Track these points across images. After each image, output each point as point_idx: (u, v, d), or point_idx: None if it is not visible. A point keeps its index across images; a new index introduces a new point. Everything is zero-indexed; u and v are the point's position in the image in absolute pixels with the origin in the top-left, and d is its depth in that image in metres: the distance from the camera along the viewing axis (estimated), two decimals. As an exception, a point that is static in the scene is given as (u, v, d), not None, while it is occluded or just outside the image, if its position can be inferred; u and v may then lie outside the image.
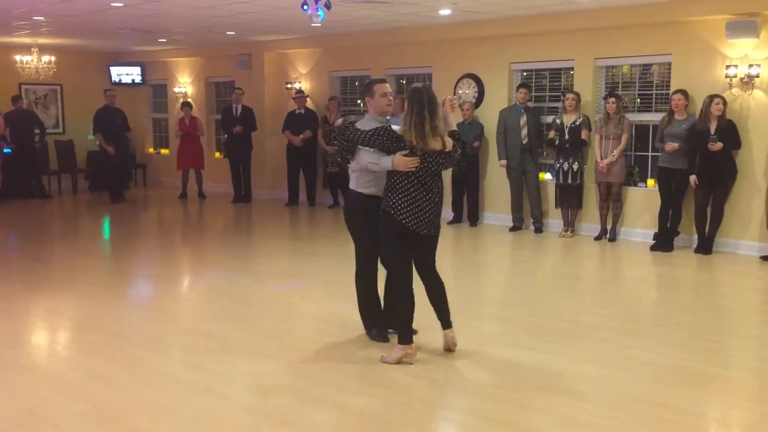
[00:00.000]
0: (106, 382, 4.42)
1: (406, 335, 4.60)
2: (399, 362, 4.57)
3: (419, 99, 4.46)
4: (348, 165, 4.86)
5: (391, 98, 4.83)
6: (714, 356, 4.90)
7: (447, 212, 9.85)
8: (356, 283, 5.07)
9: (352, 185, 4.91)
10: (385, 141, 4.48)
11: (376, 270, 4.94)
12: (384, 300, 5.05)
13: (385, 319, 5.04)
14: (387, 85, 4.85)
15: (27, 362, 4.84)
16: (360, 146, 4.63)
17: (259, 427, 3.79)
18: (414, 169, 4.44)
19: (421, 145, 4.42)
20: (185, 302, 6.59)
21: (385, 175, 4.65)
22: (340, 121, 4.86)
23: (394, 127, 4.54)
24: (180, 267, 7.99)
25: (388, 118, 4.88)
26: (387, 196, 4.56)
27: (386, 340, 4.95)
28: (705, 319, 5.78)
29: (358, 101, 12.03)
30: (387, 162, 4.50)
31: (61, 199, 13.05)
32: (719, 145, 7.60)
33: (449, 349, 4.76)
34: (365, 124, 4.73)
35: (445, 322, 4.77)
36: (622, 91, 9.06)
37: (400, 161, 4.44)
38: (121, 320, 5.75)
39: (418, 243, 4.63)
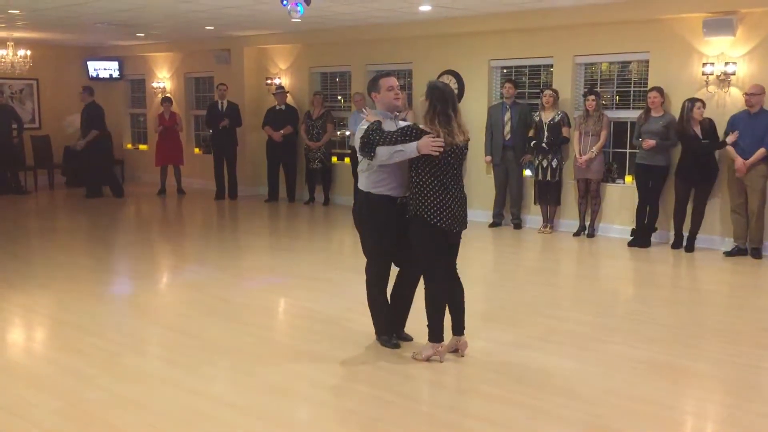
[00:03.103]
0: (83, 379, 4.38)
1: (438, 333, 4.57)
2: (429, 360, 4.56)
3: (441, 99, 4.41)
4: (371, 161, 4.55)
5: (399, 91, 4.67)
6: (690, 351, 4.95)
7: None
8: (366, 285, 4.86)
9: (361, 186, 4.71)
10: (414, 139, 4.37)
11: (388, 272, 4.80)
12: (390, 300, 4.89)
13: (395, 322, 4.92)
14: (393, 78, 4.68)
15: (2, 360, 4.79)
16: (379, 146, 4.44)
17: (238, 424, 3.78)
18: (439, 152, 4.32)
19: (450, 140, 4.37)
20: (163, 299, 6.54)
21: (398, 173, 4.53)
22: (366, 118, 4.59)
23: (420, 125, 4.45)
24: (159, 263, 7.93)
25: (396, 114, 4.73)
26: (416, 200, 4.45)
27: (396, 346, 4.82)
28: (681, 314, 5.84)
29: (339, 97, 12.02)
30: (412, 146, 4.34)
31: (38, 194, 12.90)
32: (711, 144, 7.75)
33: (458, 350, 4.70)
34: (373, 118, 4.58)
35: (460, 328, 4.69)
36: (600, 88, 9.12)
37: (426, 142, 4.31)
38: (98, 317, 5.70)
39: (450, 242, 4.58)
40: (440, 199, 4.42)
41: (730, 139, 7.65)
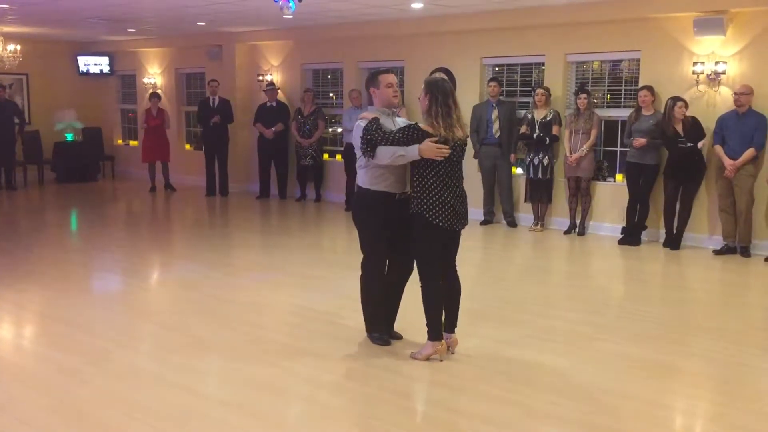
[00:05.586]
0: (74, 376, 4.37)
1: (437, 332, 4.56)
2: (428, 359, 4.55)
3: (442, 91, 4.41)
4: (371, 160, 4.53)
5: (397, 88, 4.67)
6: (680, 349, 4.98)
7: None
8: (361, 281, 4.87)
9: (360, 182, 4.71)
10: (414, 140, 4.36)
11: (384, 270, 4.80)
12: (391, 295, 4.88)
13: (389, 317, 4.91)
14: (392, 75, 4.68)
15: (-8, 356, 4.77)
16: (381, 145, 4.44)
17: (229, 421, 3.78)
18: (443, 157, 4.33)
19: (451, 135, 4.37)
20: (155, 296, 6.53)
21: (397, 169, 4.54)
22: (363, 118, 4.55)
23: (421, 125, 4.43)
24: (150, 260, 7.90)
25: (394, 110, 4.74)
26: (418, 198, 4.44)
27: (387, 343, 4.82)
28: (671, 312, 5.87)
29: (331, 93, 12.01)
30: (414, 150, 4.34)
31: (27, 190, 12.83)
32: (690, 145, 7.77)
33: (449, 348, 4.67)
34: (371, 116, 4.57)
35: (452, 326, 4.69)
36: (592, 86, 9.15)
37: (429, 147, 4.30)
38: (88, 314, 5.68)
39: (450, 240, 4.60)
40: (443, 198, 4.41)
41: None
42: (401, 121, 4.73)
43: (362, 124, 4.51)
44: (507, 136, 9.30)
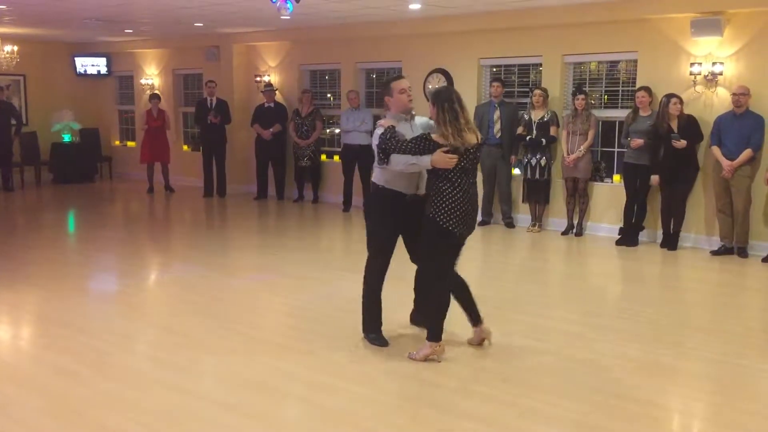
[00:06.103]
0: (70, 377, 4.36)
1: (437, 333, 4.58)
2: (426, 359, 4.56)
3: (447, 97, 4.46)
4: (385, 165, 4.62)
5: (411, 94, 4.74)
6: (677, 349, 4.98)
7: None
8: (364, 279, 4.90)
9: (375, 179, 4.79)
10: (426, 149, 4.42)
11: (386, 269, 4.84)
12: (415, 290, 5.03)
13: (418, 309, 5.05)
14: (405, 80, 4.76)
15: (-12, 358, 4.76)
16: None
17: (225, 422, 3.77)
18: (452, 166, 4.39)
19: (461, 142, 4.40)
20: (151, 297, 6.52)
21: (411, 173, 4.62)
22: (381, 125, 4.62)
23: (432, 135, 4.47)
24: (146, 261, 7.89)
25: (412, 113, 4.80)
26: (432, 203, 4.49)
27: (384, 344, 4.84)
28: (669, 312, 5.87)
29: (329, 94, 12.00)
30: (426, 160, 4.41)
31: (24, 191, 12.81)
32: (683, 142, 7.76)
33: (484, 340, 4.80)
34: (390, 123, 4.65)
35: (477, 318, 4.78)
36: (589, 87, 9.16)
37: (440, 158, 4.38)
38: (85, 315, 5.67)
39: (458, 245, 4.66)
40: (455, 203, 4.45)
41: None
42: (420, 122, 4.79)
43: (379, 132, 4.59)
44: (508, 137, 9.28)
